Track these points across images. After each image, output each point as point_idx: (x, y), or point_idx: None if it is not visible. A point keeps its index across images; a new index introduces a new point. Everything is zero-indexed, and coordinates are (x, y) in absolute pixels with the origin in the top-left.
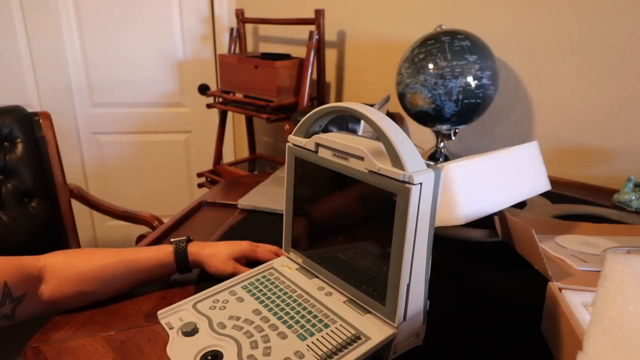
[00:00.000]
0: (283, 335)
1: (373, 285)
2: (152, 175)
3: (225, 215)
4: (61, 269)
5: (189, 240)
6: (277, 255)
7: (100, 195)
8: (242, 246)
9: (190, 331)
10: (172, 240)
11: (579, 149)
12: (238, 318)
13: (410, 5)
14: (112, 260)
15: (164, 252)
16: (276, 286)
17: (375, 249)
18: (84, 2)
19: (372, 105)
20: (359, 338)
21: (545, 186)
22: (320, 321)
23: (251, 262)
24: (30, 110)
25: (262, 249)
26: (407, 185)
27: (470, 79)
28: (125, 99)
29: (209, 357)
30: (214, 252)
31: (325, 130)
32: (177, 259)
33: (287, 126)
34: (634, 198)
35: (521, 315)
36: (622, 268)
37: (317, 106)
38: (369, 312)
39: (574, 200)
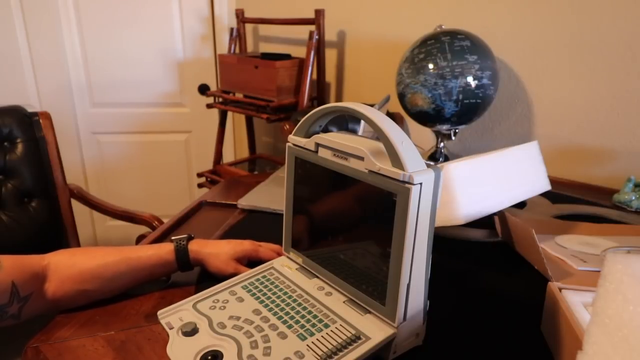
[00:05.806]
0: (283, 335)
1: (373, 285)
2: (152, 175)
3: (225, 215)
4: (63, 267)
5: (190, 238)
6: (280, 254)
7: (100, 195)
8: (245, 246)
9: (190, 331)
10: (173, 238)
11: (579, 149)
12: (238, 318)
13: (410, 5)
14: (113, 258)
15: (165, 250)
16: (276, 286)
17: (375, 249)
18: (84, 2)
19: (372, 105)
20: (359, 338)
21: (545, 186)
22: (320, 321)
23: (253, 261)
24: (30, 110)
25: (265, 248)
26: (407, 185)
27: (470, 79)
28: (125, 99)
29: (209, 357)
30: (215, 252)
31: (325, 130)
32: (178, 256)
33: (287, 126)
34: (634, 198)
35: (521, 315)
36: (622, 268)
37: (317, 106)
38: (369, 312)
39: (574, 200)
